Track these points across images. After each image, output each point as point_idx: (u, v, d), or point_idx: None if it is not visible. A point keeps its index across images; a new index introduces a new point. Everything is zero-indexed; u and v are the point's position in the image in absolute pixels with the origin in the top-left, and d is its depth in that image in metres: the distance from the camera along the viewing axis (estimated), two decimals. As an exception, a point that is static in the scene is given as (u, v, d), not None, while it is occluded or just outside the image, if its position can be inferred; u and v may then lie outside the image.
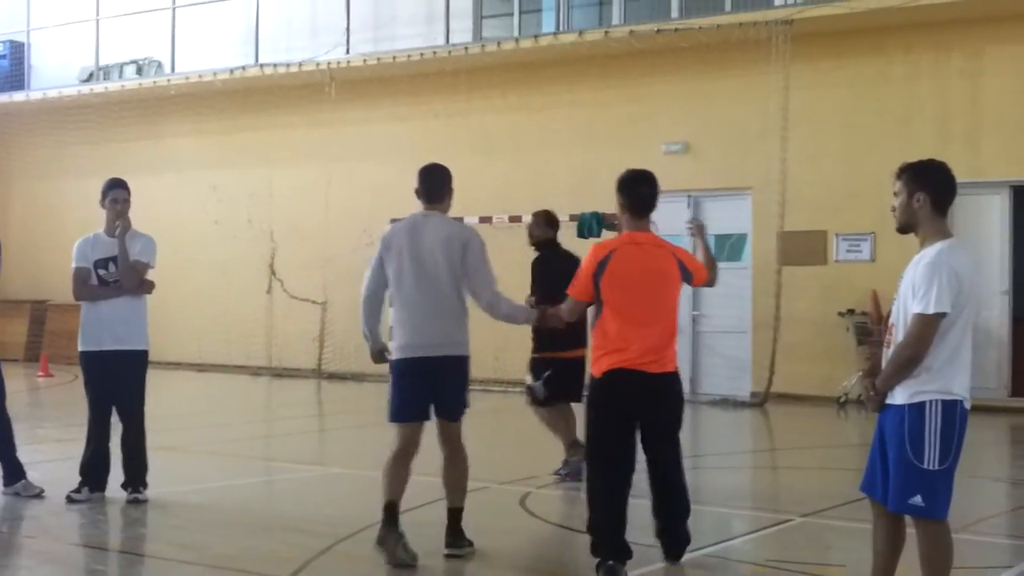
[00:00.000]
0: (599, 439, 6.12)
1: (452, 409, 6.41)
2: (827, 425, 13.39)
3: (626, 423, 6.09)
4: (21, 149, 22.01)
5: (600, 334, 6.12)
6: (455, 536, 6.48)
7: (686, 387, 15.06)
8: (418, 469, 6.42)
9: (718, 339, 15.70)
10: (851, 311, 14.51)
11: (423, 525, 6.70)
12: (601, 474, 6.11)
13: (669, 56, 15.52)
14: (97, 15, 20.78)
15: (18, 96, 21.35)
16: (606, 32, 15.89)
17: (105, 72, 20.74)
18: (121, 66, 20.64)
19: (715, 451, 11.94)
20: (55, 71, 21.44)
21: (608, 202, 6.63)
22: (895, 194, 4.99)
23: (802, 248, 14.84)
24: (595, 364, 6.14)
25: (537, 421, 9.16)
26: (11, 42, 21.90)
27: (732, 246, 15.88)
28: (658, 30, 15.33)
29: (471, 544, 6.50)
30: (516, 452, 11.04)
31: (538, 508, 7.86)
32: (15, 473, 8.08)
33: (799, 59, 14.58)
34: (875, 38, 14.72)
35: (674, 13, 16.12)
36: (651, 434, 6.19)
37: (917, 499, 4.76)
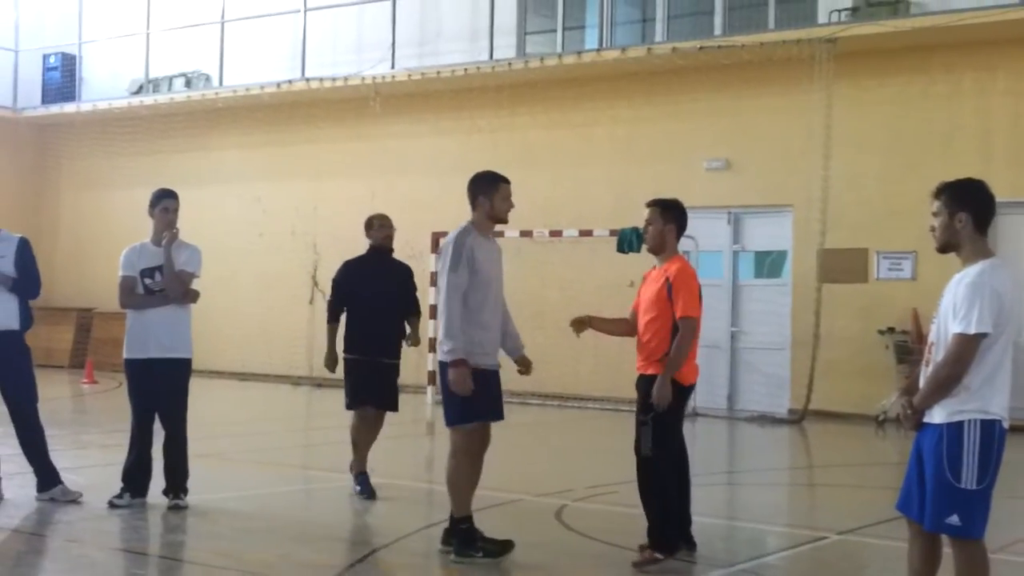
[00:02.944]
0: (674, 440, 6.65)
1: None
2: (865, 443, 13.32)
3: None
4: (71, 159, 22.37)
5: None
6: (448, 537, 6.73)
7: (724, 403, 15.31)
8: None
9: (757, 356, 15.66)
10: (891, 329, 14.42)
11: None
12: (673, 474, 6.63)
13: (711, 73, 15.54)
14: (147, 29, 21.10)
15: (69, 107, 21.71)
16: (649, 49, 15.91)
17: (154, 85, 21.02)
18: (170, 79, 20.90)
19: (752, 467, 11.92)
20: (105, 83, 21.75)
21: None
22: (934, 214, 4.96)
23: (843, 266, 14.78)
24: (685, 374, 6.61)
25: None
26: (63, 55, 22.26)
27: (772, 263, 15.86)
28: (701, 47, 15.34)
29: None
30: (552, 465, 11.06)
31: (574, 521, 7.89)
32: (50, 479, 8.08)
33: (842, 77, 14.55)
34: (918, 57, 14.65)
35: (717, 30, 16.11)
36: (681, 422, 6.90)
37: (954, 519, 4.75)
